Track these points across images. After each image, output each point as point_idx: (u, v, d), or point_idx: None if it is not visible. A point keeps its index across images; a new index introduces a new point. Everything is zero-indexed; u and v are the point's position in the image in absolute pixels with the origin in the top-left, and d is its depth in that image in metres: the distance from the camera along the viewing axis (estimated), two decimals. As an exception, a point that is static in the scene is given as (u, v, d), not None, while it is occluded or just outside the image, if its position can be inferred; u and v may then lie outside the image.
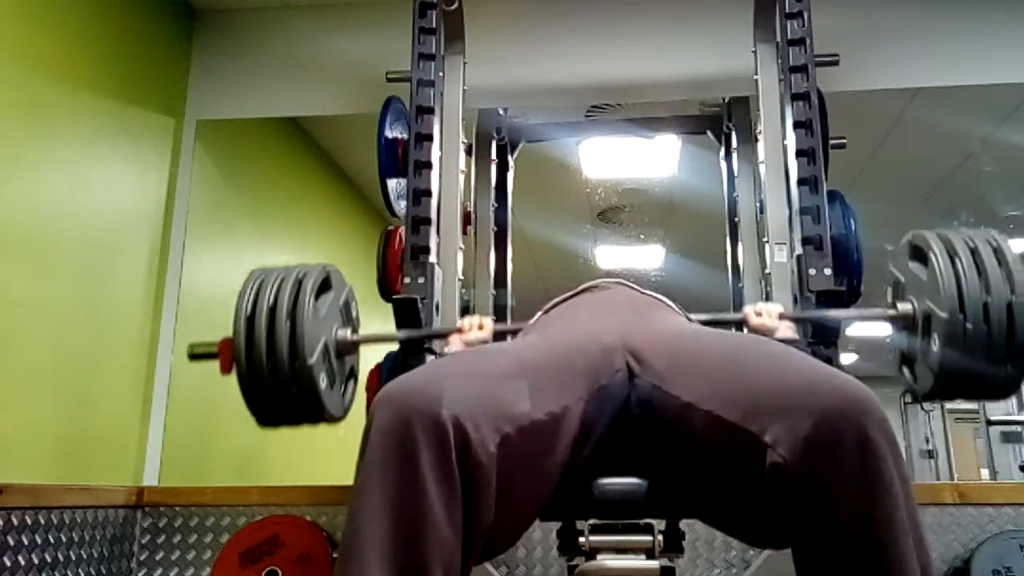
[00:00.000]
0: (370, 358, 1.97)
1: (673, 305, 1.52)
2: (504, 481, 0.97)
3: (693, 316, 1.51)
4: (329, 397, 1.37)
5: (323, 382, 1.34)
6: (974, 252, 1.25)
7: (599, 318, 1.38)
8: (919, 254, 1.33)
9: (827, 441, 0.92)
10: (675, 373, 1.13)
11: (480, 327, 1.57)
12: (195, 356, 1.45)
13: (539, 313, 1.53)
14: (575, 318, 1.44)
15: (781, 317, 1.54)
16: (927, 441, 5.89)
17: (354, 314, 1.50)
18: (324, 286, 1.39)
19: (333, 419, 1.41)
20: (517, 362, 1.15)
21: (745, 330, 1.58)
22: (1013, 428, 4.79)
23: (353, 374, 1.51)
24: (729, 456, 1.04)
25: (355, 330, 1.48)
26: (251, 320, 1.32)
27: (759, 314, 1.55)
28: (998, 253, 1.25)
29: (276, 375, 1.31)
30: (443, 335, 1.62)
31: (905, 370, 1.40)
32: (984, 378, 1.24)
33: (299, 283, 1.34)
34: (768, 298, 1.95)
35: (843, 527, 0.92)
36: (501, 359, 1.17)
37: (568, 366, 1.15)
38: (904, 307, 1.35)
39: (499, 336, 1.58)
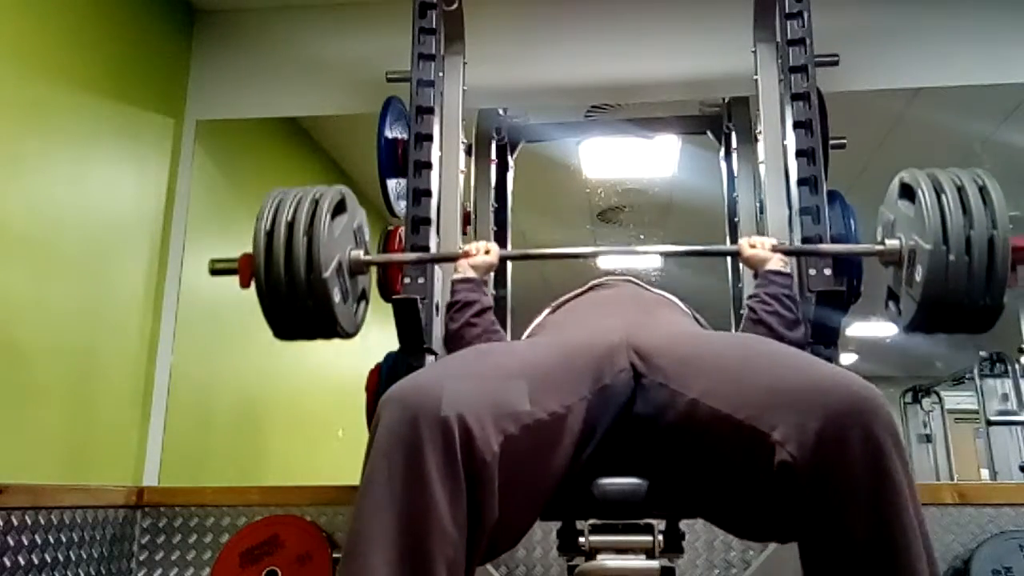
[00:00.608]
0: (370, 358, 1.97)
1: (681, 304, 1.53)
2: (508, 479, 0.98)
3: (687, 248, 1.58)
4: (342, 311, 1.43)
5: (337, 296, 1.41)
6: (960, 189, 1.31)
7: (604, 317, 1.39)
8: (908, 192, 1.38)
9: (835, 440, 0.93)
10: (681, 372, 1.14)
11: (487, 251, 1.64)
12: (216, 271, 1.50)
13: (546, 311, 1.54)
14: (581, 317, 1.45)
15: (774, 249, 1.60)
16: (924, 426, 5.91)
17: (366, 238, 1.56)
18: (339, 208, 1.46)
19: (346, 334, 1.47)
20: (522, 362, 1.15)
21: (743, 272, 1.58)
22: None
23: (365, 295, 1.57)
24: (736, 454, 1.04)
25: (367, 253, 1.55)
26: (270, 235, 1.38)
27: (753, 246, 1.61)
28: (983, 191, 1.30)
29: (293, 287, 1.37)
30: (451, 259, 1.68)
31: (891, 304, 1.45)
32: (964, 309, 1.29)
33: (316, 203, 1.41)
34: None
35: (853, 526, 0.92)
36: (506, 359, 1.18)
37: (572, 365, 1.16)
38: (892, 243, 1.41)
39: (504, 261, 1.68)
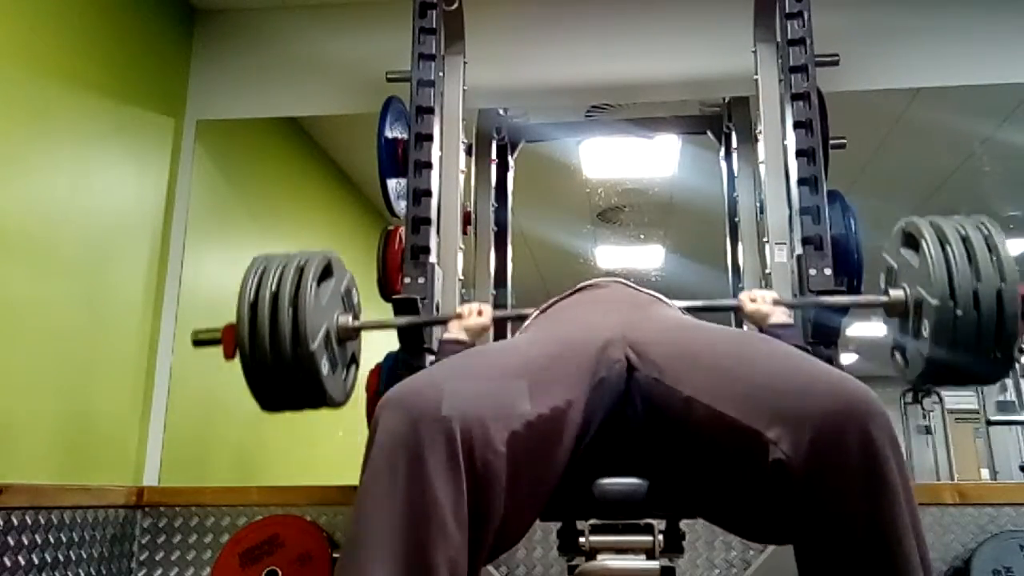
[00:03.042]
0: (370, 358, 1.97)
1: (671, 303, 1.52)
2: (513, 477, 0.97)
3: (688, 303, 1.53)
4: (331, 382, 1.39)
5: (325, 367, 1.37)
6: (965, 240, 1.27)
7: (599, 314, 1.38)
8: (911, 241, 1.35)
9: (830, 440, 0.93)
10: (676, 367, 1.13)
11: (479, 313, 1.60)
12: (199, 342, 1.46)
13: (536, 312, 1.53)
14: (575, 315, 1.44)
15: (775, 303, 1.56)
16: (924, 416, 5.89)
17: (355, 301, 1.52)
18: (326, 273, 1.42)
19: (335, 404, 1.43)
20: (520, 360, 1.15)
21: (745, 326, 1.57)
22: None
23: (355, 360, 1.53)
24: (730, 452, 1.04)
25: (356, 316, 1.50)
26: (254, 306, 1.34)
27: (753, 300, 1.58)
28: (988, 241, 1.27)
29: (279, 361, 1.33)
30: (443, 321, 1.65)
31: (897, 356, 1.42)
32: (973, 364, 1.25)
33: (301, 270, 1.37)
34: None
35: (847, 525, 0.92)
36: (503, 358, 1.18)
37: (569, 361, 1.15)
38: (896, 294, 1.37)
39: (498, 322, 1.62)
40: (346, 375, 1.49)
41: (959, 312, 1.22)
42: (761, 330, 1.54)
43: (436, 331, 1.77)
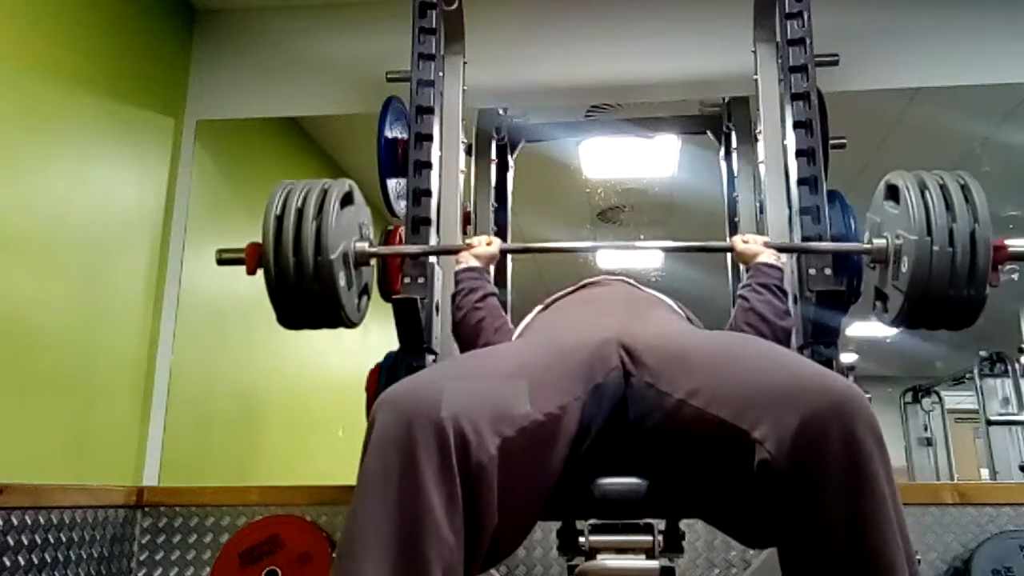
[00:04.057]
0: (370, 358, 1.97)
1: (672, 303, 1.53)
2: (506, 482, 0.97)
3: (682, 243, 1.62)
4: (347, 298, 1.47)
5: (342, 280, 1.45)
6: (943, 187, 1.37)
7: (596, 317, 1.39)
8: (893, 193, 1.43)
9: (814, 438, 0.92)
10: (668, 371, 1.14)
11: (488, 244, 1.69)
12: (223, 261, 1.55)
13: (538, 307, 1.54)
14: (573, 317, 1.45)
15: (767, 245, 1.64)
16: (925, 428, 5.90)
17: (370, 235, 1.62)
18: (347, 199, 1.50)
19: (350, 322, 1.50)
20: (516, 363, 1.15)
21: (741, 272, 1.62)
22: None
23: (367, 290, 1.61)
24: (719, 452, 1.04)
25: (371, 247, 1.60)
26: (280, 219, 1.43)
27: (746, 242, 1.66)
28: (965, 189, 1.36)
29: (300, 271, 1.41)
30: (454, 251, 1.72)
31: (878, 304, 1.50)
32: (949, 300, 1.33)
33: (325, 192, 1.46)
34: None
35: (830, 524, 0.91)
36: (500, 361, 1.18)
37: (566, 366, 1.15)
38: (879, 242, 1.46)
39: (505, 254, 1.79)
40: (359, 300, 1.56)
41: (935, 248, 1.31)
42: (748, 269, 1.61)
43: (435, 329, 1.77)
